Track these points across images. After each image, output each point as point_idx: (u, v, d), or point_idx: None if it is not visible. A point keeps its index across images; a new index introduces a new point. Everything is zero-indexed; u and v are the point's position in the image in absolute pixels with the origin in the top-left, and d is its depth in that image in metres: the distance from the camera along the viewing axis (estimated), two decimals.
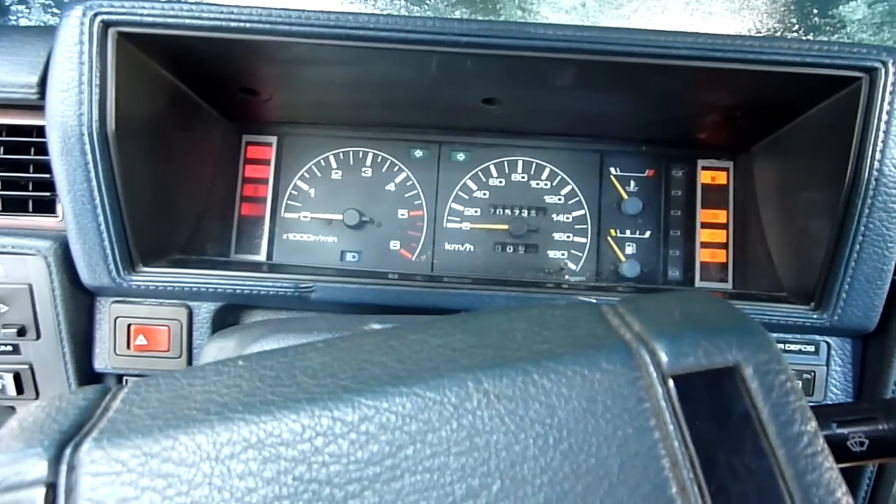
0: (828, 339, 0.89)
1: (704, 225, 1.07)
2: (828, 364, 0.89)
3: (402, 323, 0.58)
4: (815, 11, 1.26)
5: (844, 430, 0.47)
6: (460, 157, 1.09)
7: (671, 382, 0.30)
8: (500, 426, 0.30)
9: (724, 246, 1.07)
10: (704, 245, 1.07)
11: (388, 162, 1.09)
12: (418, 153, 1.09)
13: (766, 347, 0.31)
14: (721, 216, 1.07)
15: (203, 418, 0.32)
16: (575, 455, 0.29)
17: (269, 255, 1.08)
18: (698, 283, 1.06)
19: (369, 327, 0.56)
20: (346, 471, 0.29)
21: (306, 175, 1.09)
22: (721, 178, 1.08)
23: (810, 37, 1.33)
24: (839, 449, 0.46)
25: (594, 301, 0.84)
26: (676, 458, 0.29)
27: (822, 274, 0.83)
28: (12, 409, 0.93)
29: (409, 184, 1.08)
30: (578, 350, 0.31)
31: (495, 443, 0.29)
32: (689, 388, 0.30)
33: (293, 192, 1.09)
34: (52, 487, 0.31)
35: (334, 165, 1.09)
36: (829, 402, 0.89)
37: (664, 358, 0.31)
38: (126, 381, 0.94)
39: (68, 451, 0.32)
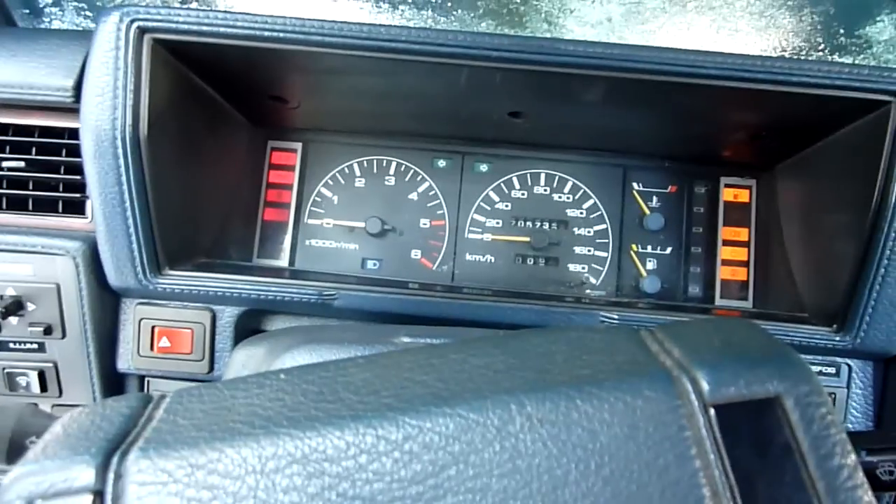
0: (849, 361, 0.88)
1: (726, 242, 1.07)
2: (848, 386, 0.89)
3: (432, 334, 0.59)
4: (842, 31, 1.26)
5: (874, 459, 0.47)
6: (483, 168, 1.10)
7: (712, 411, 0.31)
8: (542, 450, 0.30)
9: (746, 264, 1.06)
10: (725, 263, 1.07)
11: (412, 171, 1.09)
12: (441, 163, 1.10)
13: (807, 379, 0.31)
14: (743, 234, 1.07)
15: (248, 431, 0.32)
16: (616, 481, 0.29)
17: (292, 261, 1.09)
18: (718, 300, 1.06)
19: (399, 339, 0.57)
20: (389, 489, 0.30)
21: (330, 182, 1.10)
22: (743, 195, 1.08)
23: (836, 56, 1.32)
24: (868, 477, 0.46)
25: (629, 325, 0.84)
26: (717, 488, 0.29)
27: (846, 296, 0.83)
28: (35, 405, 0.95)
29: (431, 193, 1.09)
30: (621, 377, 0.32)
31: (537, 466, 0.30)
32: (730, 418, 0.30)
33: (316, 198, 1.10)
34: (99, 495, 0.31)
35: (358, 173, 1.10)
36: (859, 430, 0.88)
37: (706, 387, 0.31)
38: (148, 382, 0.95)
39: (115, 460, 0.32)
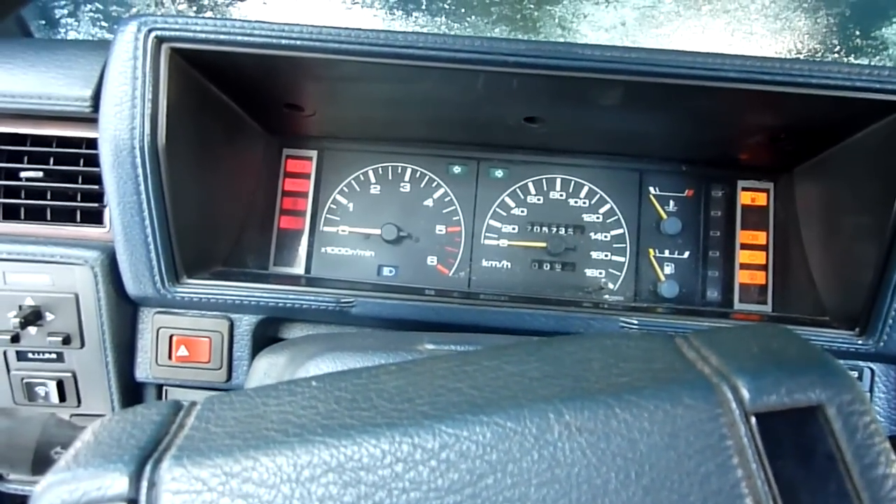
0: (872, 365, 0.88)
1: (744, 246, 1.06)
2: (871, 391, 0.87)
3: (455, 341, 0.58)
4: (857, 33, 1.25)
5: None
6: (498, 174, 1.10)
7: (754, 420, 0.30)
8: (581, 459, 0.30)
9: (764, 268, 1.06)
10: (744, 266, 1.06)
11: (427, 178, 1.09)
12: (457, 169, 1.10)
13: (850, 387, 0.31)
14: (761, 237, 1.06)
15: (283, 440, 0.32)
16: (657, 490, 0.29)
17: (308, 269, 1.09)
18: (737, 304, 1.05)
19: (423, 346, 0.56)
20: (425, 498, 0.30)
21: (345, 189, 1.10)
22: (761, 199, 1.07)
23: (852, 58, 1.32)
24: None
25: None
26: (760, 498, 0.29)
27: (868, 299, 0.82)
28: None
29: (447, 200, 1.09)
30: (659, 384, 0.31)
31: (576, 475, 0.29)
32: (772, 427, 0.30)
33: (332, 206, 1.10)
34: None
35: (373, 180, 1.10)
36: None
37: (746, 395, 0.30)
38: (166, 391, 0.95)
39: (148, 468, 0.32)
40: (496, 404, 0.31)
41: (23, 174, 0.89)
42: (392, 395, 0.34)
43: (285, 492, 0.30)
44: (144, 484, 0.32)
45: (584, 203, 1.09)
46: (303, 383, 0.36)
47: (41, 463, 0.56)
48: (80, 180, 0.91)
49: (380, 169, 1.10)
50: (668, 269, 1.07)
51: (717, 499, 0.29)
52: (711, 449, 0.29)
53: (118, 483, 0.32)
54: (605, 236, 1.08)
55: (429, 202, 1.09)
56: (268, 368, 0.65)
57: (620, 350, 0.35)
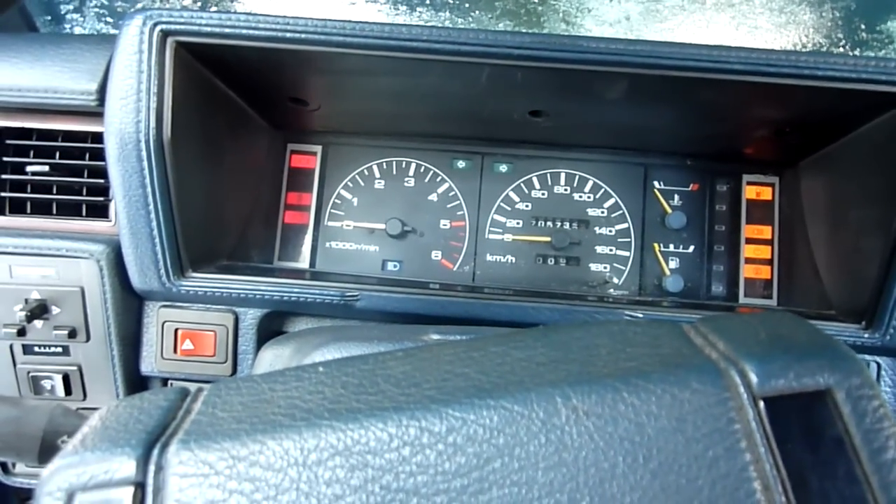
0: (878, 358, 0.87)
1: (749, 240, 1.06)
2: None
3: (461, 333, 0.58)
4: (863, 27, 1.25)
5: None
6: (503, 168, 1.10)
7: (762, 404, 0.30)
8: (588, 442, 0.30)
9: (769, 262, 1.05)
10: (749, 261, 1.06)
11: (431, 172, 1.09)
12: (461, 164, 1.10)
13: (859, 372, 0.30)
14: (766, 232, 1.06)
15: (290, 424, 0.32)
16: (664, 474, 0.29)
17: (312, 263, 1.09)
18: (742, 299, 1.05)
19: (428, 337, 0.56)
20: (433, 481, 0.30)
21: (350, 184, 1.10)
22: (766, 193, 1.07)
23: (857, 52, 1.31)
24: None
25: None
26: (768, 482, 0.29)
27: (874, 292, 0.82)
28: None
29: (451, 194, 1.09)
30: (667, 369, 0.31)
31: (584, 459, 0.29)
32: (780, 411, 0.30)
33: (336, 200, 1.10)
34: (140, 487, 0.31)
35: (377, 175, 1.10)
36: None
37: (754, 379, 0.30)
38: (171, 385, 0.95)
39: (156, 452, 0.32)
40: (503, 388, 0.31)
41: (29, 168, 0.90)
42: (399, 380, 0.34)
43: (292, 475, 0.31)
44: (152, 467, 0.32)
45: (589, 197, 1.09)
46: (309, 369, 0.37)
47: (48, 452, 0.56)
48: (85, 174, 0.91)
49: (384, 164, 1.10)
50: (673, 264, 1.07)
51: (725, 482, 0.29)
52: (719, 433, 0.29)
53: (126, 466, 0.32)
54: (610, 231, 1.08)
55: (433, 197, 1.09)
56: (273, 359, 0.65)
57: (628, 336, 0.35)
